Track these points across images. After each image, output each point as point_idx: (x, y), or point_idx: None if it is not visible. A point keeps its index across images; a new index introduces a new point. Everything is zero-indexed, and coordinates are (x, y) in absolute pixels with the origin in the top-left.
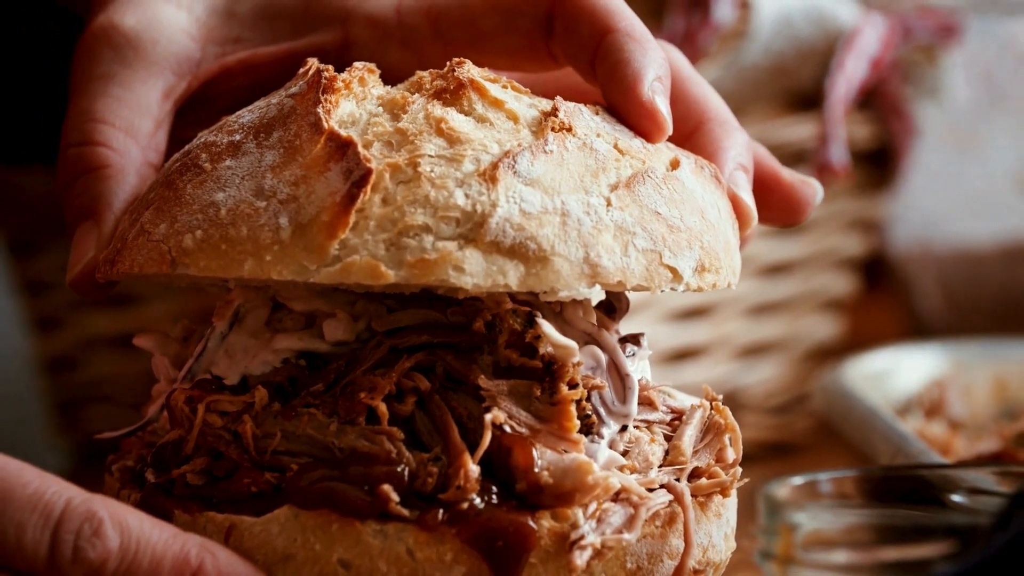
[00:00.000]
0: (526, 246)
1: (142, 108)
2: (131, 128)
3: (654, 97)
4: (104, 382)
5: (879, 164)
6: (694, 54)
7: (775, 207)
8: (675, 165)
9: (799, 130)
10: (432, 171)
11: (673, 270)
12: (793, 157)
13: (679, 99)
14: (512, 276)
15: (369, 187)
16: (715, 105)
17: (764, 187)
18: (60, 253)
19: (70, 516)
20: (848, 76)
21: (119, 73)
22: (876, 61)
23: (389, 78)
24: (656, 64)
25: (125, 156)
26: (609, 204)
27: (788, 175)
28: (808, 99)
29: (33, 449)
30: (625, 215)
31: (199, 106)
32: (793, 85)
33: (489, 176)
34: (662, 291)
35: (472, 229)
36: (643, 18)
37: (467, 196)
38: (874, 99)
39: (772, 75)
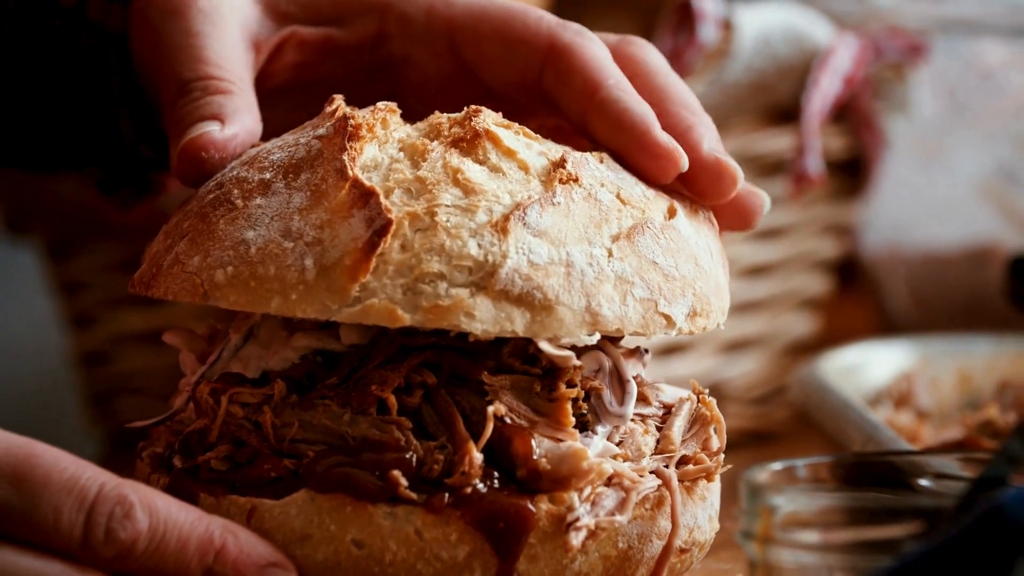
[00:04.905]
0: (533, 295)
1: (243, 63)
2: (241, 78)
3: (669, 138)
4: (135, 375)
5: (852, 173)
6: (681, 71)
7: (727, 215)
8: (672, 213)
9: (778, 142)
10: (448, 221)
11: (667, 317)
12: (772, 167)
13: (648, 89)
14: (519, 323)
15: (390, 236)
16: (681, 91)
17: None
18: (94, 255)
19: (103, 500)
20: (823, 92)
21: (212, 33)
22: (849, 78)
23: (411, 76)
24: (649, 109)
25: (246, 92)
26: (610, 255)
27: (740, 186)
28: (786, 113)
29: (69, 437)
30: (625, 265)
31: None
32: (772, 100)
33: (501, 228)
34: (656, 336)
35: (483, 278)
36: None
37: (480, 246)
38: (847, 113)
39: (753, 91)
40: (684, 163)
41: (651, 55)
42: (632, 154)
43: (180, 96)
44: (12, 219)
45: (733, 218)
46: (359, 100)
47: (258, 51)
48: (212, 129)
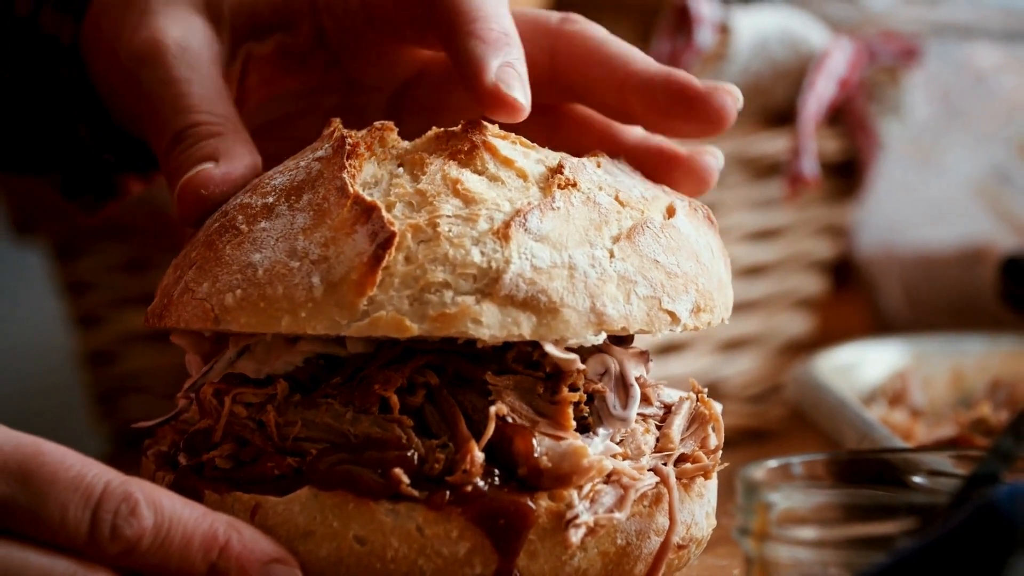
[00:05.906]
0: (537, 299)
1: (226, 100)
2: (228, 117)
3: (497, 84)
4: (141, 375)
5: (847, 175)
6: None
7: (694, 118)
8: (671, 212)
9: (774, 144)
10: (450, 231)
11: (671, 314)
12: (768, 169)
13: (608, 57)
14: (526, 327)
15: (393, 248)
16: (636, 53)
17: (684, 100)
18: (100, 256)
19: (109, 497)
20: (818, 94)
21: (192, 78)
22: (844, 81)
23: (355, 64)
24: (500, 54)
25: (238, 130)
26: (612, 255)
27: (703, 86)
28: (782, 115)
29: (76, 435)
30: (627, 265)
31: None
32: (768, 103)
33: (502, 234)
34: (662, 333)
35: (488, 284)
36: (631, 41)
37: (483, 254)
38: (842, 116)
39: (749, 93)
40: (522, 108)
41: (596, 29)
42: (474, 101)
43: (174, 146)
44: (19, 220)
45: (701, 121)
46: (324, 107)
47: (228, 82)
48: (208, 166)
